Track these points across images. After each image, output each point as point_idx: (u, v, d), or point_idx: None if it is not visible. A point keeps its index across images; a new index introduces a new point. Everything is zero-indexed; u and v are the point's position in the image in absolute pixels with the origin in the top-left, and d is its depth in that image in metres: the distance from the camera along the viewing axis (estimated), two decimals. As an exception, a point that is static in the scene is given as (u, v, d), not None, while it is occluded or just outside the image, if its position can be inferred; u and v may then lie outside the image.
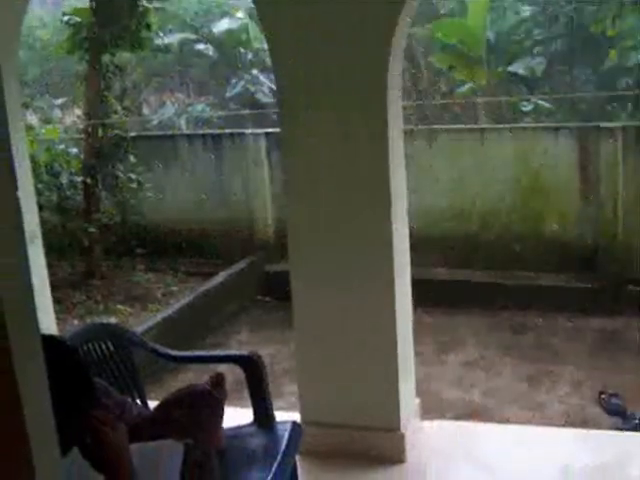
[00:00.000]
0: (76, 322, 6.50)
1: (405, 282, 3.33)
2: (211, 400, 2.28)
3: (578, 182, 7.10)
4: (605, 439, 3.67)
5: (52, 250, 6.41)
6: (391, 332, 3.19)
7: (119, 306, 7.02)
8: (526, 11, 11.47)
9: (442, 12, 12.11)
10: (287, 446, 2.53)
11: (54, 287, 5.36)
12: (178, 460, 1.88)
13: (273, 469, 2.38)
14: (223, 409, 2.32)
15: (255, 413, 2.72)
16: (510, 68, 11.24)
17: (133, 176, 7.77)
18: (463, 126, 9.08)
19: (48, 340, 1.31)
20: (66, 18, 7.81)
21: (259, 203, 8.07)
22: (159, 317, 6.35)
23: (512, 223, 7.37)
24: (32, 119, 10.84)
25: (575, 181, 7.10)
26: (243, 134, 8.26)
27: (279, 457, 2.46)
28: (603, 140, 6.91)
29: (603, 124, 7.21)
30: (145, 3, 7.63)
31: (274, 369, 5.90)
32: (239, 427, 2.66)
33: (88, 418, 1.70)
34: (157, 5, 9.44)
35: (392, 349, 3.21)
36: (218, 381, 2.37)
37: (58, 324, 5.22)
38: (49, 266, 4.85)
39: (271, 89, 12.48)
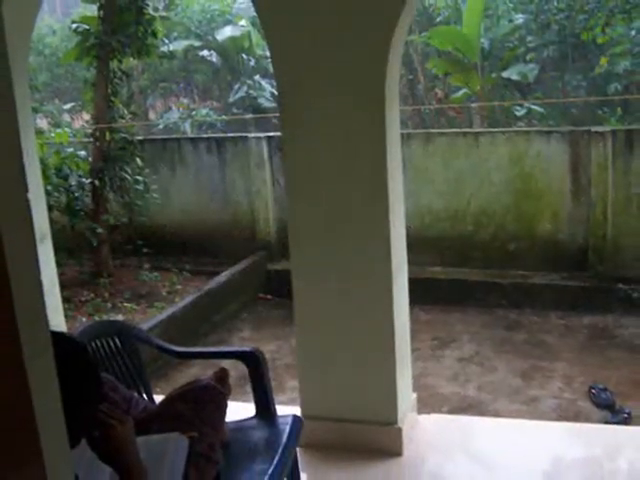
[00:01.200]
0: (84, 319, 6.50)
1: (402, 280, 3.33)
2: (215, 394, 2.27)
3: (569, 184, 7.09)
4: (595, 433, 3.67)
5: (61, 250, 6.42)
6: (389, 329, 3.19)
7: (126, 304, 7.02)
8: (519, 19, 11.48)
9: (438, 20, 12.11)
10: (288, 439, 2.53)
11: (63, 286, 5.37)
12: (183, 453, 1.88)
13: (275, 461, 2.38)
14: (227, 403, 2.32)
15: (257, 407, 2.72)
16: (504, 74, 11.25)
17: (139, 178, 7.78)
18: (458, 130, 9.07)
19: (57, 337, 1.31)
20: (75, 26, 7.82)
21: (261, 204, 8.07)
22: (164, 314, 6.35)
23: (506, 223, 7.37)
24: (42, 123, 10.87)
25: (567, 183, 7.10)
26: (245, 138, 8.26)
27: (280, 449, 2.46)
28: (593, 144, 6.90)
29: (594, 128, 7.20)
30: (151, 11, 7.63)
31: (276, 365, 5.90)
32: (242, 420, 2.67)
33: (96, 412, 1.69)
34: (163, 13, 9.47)
35: (390, 345, 3.21)
36: (222, 376, 2.37)
37: (67, 321, 5.23)
38: (58, 265, 4.86)
39: (272, 94, 12.50)
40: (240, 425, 2.61)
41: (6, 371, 0.89)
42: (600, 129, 7.13)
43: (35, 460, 0.91)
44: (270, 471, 2.33)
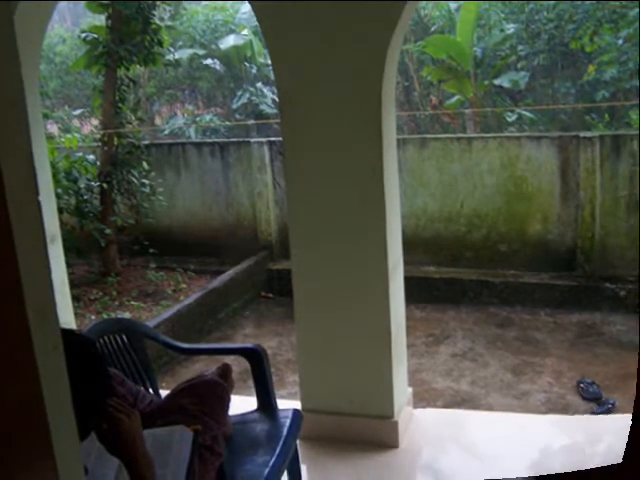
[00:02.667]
0: (93, 317, 6.50)
1: (398, 279, 3.33)
2: (218, 389, 2.27)
3: (559, 187, 7.10)
4: (579, 422, 3.69)
5: (71, 250, 6.42)
6: (386, 326, 3.19)
7: (133, 302, 7.02)
8: (510, 28, 11.49)
9: (432, 30, 12.12)
10: (289, 432, 2.53)
11: (73, 285, 5.38)
12: (188, 445, 1.88)
13: (276, 453, 2.38)
14: (229, 397, 2.32)
15: (259, 401, 2.72)
16: (496, 81, 11.26)
17: (146, 181, 7.78)
18: (452, 135, 9.07)
19: (67, 334, 1.31)
20: (84, 35, 7.82)
21: (262, 206, 8.07)
22: (170, 312, 6.34)
23: (498, 225, 7.37)
24: (52, 129, 10.86)
25: (556, 186, 7.10)
26: (248, 142, 8.26)
27: (281, 442, 2.46)
28: (582, 148, 6.91)
29: (582, 133, 7.20)
30: (157, 21, 7.63)
31: (277, 360, 5.90)
32: (244, 414, 2.66)
33: (104, 406, 1.69)
34: (168, 23, 9.47)
35: (386, 342, 3.20)
36: (225, 371, 2.37)
37: (76, 319, 5.22)
38: (68, 265, 4.86)
39: (274, 101, 12.49)
40: (242, 418, 2.61)
41: (18, 368, 0.89)
42: (588, 134, 7.13)
43: (46, 453, 0.91)
44: (271, 463, 2.33)
